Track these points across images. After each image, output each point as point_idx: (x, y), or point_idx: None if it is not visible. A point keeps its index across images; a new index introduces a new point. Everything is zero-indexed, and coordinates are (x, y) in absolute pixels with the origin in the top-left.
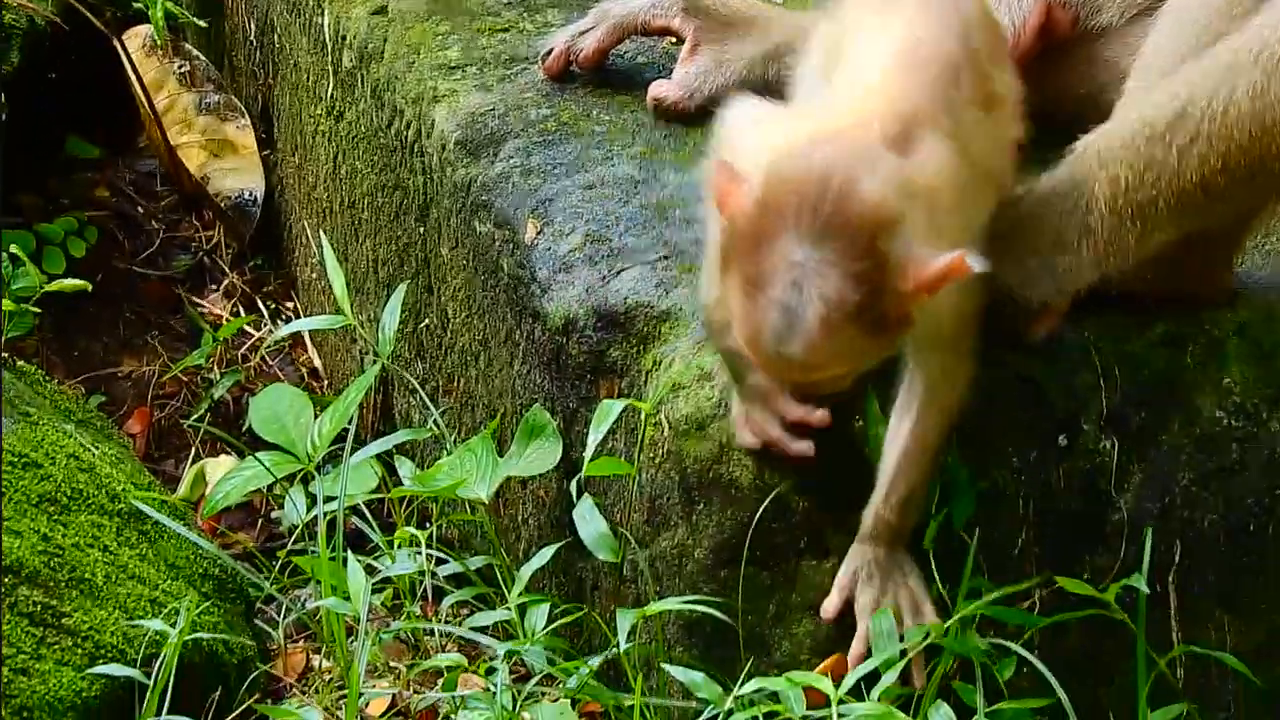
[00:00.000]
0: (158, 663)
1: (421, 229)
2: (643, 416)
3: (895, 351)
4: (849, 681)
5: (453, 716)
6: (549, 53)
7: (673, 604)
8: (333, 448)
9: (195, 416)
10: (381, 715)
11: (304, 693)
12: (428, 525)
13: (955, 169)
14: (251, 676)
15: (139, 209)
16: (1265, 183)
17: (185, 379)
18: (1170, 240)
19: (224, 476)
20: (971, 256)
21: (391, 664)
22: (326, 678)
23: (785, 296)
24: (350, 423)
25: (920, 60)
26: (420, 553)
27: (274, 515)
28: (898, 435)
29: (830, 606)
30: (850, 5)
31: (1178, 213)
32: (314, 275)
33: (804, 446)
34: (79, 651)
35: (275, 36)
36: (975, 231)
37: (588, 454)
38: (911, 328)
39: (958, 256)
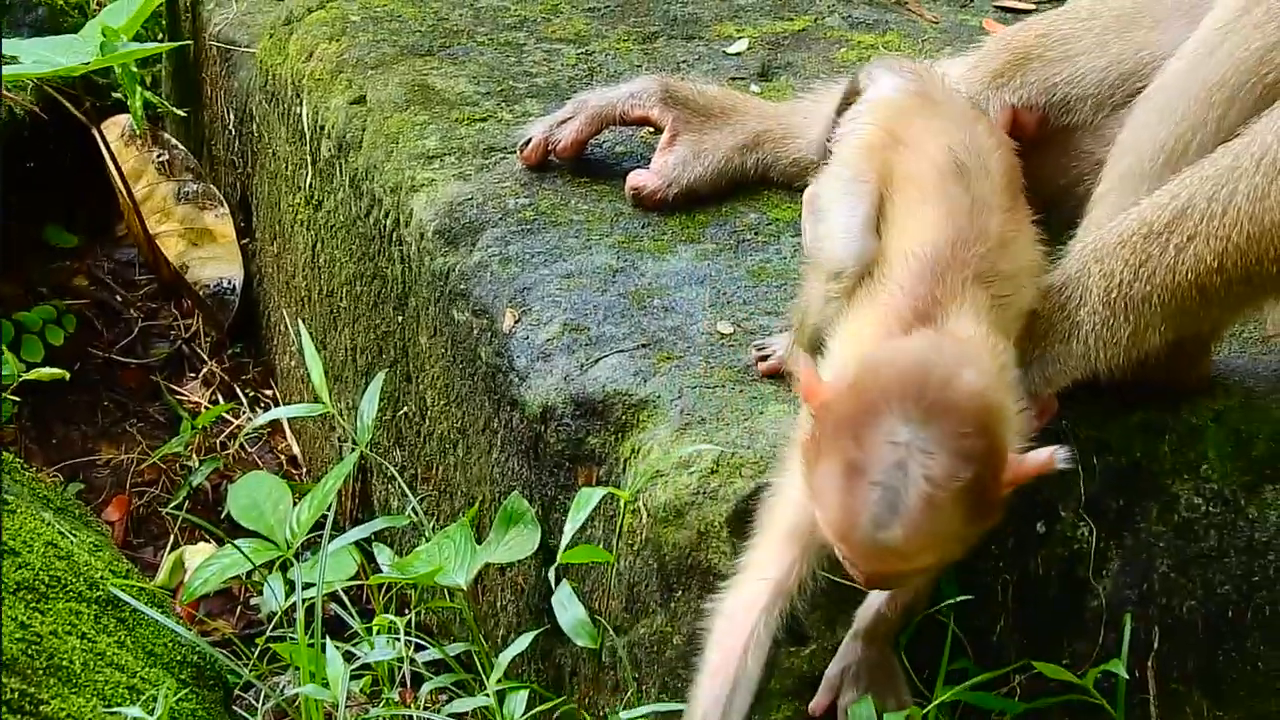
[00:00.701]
0: None
1: (400, 317)
2: (621, 504)
3: (973, 545)
4: None
5: None
6: (527, 142)
7: (645, 710)
8: (311, 535)
9: (174, 504)
10: None
11: None
12: (406, 612)
13: (1000, 353)
14: None
15: (117, 297)
16: (1260, 284)
17: (164, 466)
18: (1163, 344)
19: (202, 563)
20: (1061, 453)
21: None
22: None
23: (887, 478)
24: (329, 510)
25: (949, 261)
26: (399, 639)
27: (253, 602)
28: None
29: (817, 705)
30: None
31: (1172, 311)
32: (293, 363)
33: None
34: None
35: (254, 126)
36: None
37: (564, 543)
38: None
39: (1050, 454)
